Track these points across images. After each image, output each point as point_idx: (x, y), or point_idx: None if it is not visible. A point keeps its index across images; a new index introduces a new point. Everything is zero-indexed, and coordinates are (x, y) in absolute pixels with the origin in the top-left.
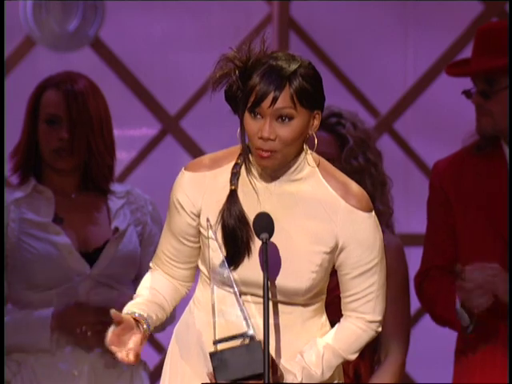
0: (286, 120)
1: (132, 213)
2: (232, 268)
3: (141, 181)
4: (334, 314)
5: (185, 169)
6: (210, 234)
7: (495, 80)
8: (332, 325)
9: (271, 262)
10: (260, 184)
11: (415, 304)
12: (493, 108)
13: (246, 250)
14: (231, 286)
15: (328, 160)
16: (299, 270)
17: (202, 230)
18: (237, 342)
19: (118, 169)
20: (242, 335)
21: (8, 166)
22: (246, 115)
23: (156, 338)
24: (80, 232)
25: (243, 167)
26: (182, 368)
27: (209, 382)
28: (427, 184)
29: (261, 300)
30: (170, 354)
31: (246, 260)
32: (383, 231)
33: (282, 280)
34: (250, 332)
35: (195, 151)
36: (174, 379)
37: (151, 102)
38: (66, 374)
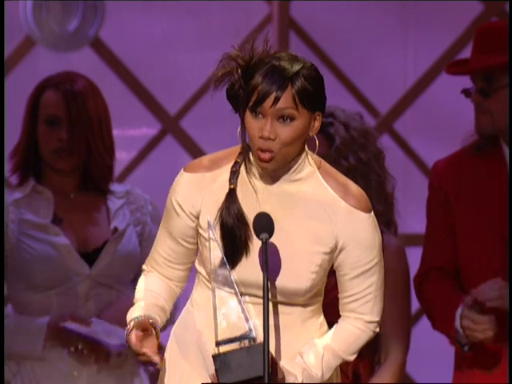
0: (288, 120)
1: (131, 213)
2: (230, 268)
3: (141, 181)
4: (333, 315)
5: (184, 170)
6: (211, 234)
7: (494, 78)
8: (330, 326)
9: (271, 263)
10: (260, 184)
11: (415, 304)
12: (492, 106)
13: (244, 249)
14: (231, 287)
15: None
16: (299, 270)
17: (201, 231)
18: (238, 344)
19: (118, 169)
20: (244, 336)
21: (8, 167)
22: (247, 114)
23: None
24: (79, 232)
25: (243, 167)
26: (180, 366)
27: (209, 382)
28: (427, 184)
29: (259, 300)
30: (168, 353)
31: (244, 260)
32: (381, 231)
33: (282, 280)
34: (252, 333)
35: (195, 151)
36: (172, 377)
37: (151, 101)
38: (66, 374)
